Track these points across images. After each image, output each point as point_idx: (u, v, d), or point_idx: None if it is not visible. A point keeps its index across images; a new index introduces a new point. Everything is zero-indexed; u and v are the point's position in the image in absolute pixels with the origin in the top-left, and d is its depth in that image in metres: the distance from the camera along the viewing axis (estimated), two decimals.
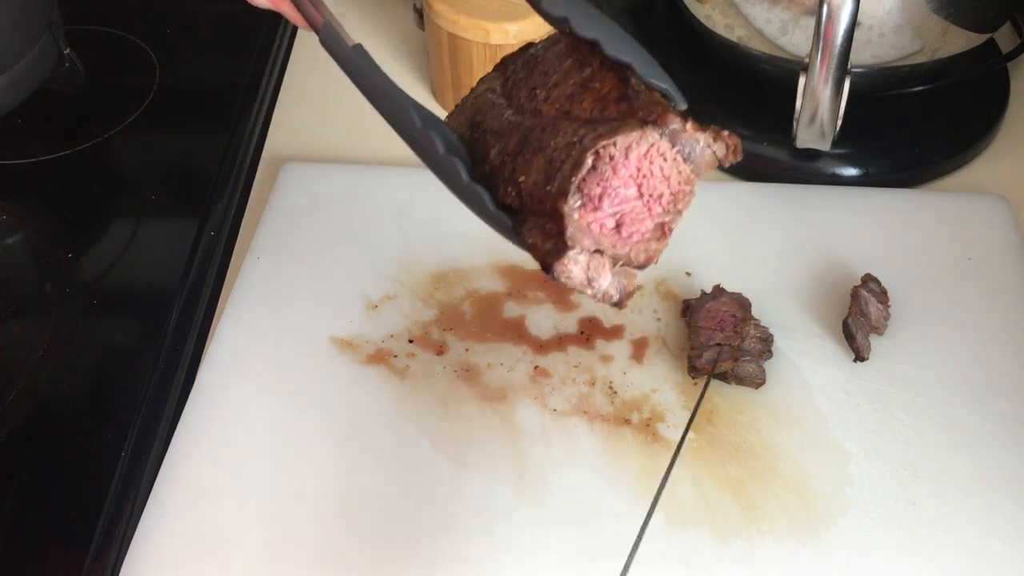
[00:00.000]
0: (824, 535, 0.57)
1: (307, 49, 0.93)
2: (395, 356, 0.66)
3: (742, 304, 0.65)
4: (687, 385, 0.64)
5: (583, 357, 0.66)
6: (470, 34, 0.77)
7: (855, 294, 0.66)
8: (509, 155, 0.42)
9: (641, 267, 0.40)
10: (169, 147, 0.85)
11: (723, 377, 0.63)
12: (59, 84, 0.84)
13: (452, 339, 0.67)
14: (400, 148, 0.80)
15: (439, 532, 0.57)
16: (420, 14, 0.87)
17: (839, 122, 0.69)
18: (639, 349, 0.66)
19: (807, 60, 0.65)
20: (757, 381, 0.63)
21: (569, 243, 0.38)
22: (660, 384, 0.64)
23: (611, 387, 0.64)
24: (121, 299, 0.73)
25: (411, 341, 0.67)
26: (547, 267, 0.39)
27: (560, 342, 0.66)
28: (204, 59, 0.93)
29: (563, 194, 0.38)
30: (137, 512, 0.59)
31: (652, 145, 0.38)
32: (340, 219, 0.74)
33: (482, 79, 0.51)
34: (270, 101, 0.89)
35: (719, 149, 0.39)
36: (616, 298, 0.39)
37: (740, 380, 0.63)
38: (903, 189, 0.77)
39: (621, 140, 0.38)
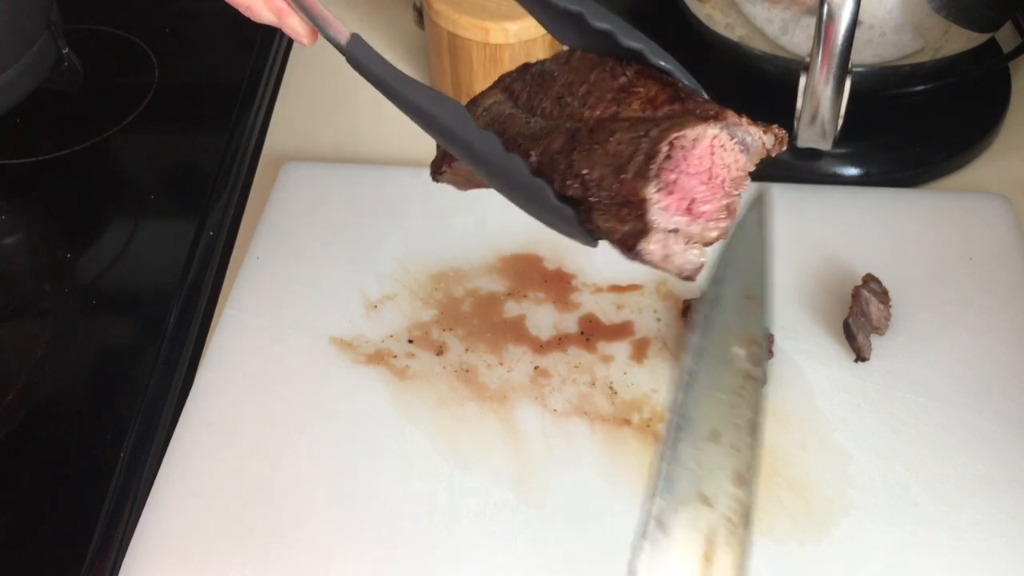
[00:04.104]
0: (825, 536, 0.57)
1: (306, 48, 0.93)
2: (395, 356, 0.66)
3: None
4: None
5: (583, 357, 0.65)
6: (470, 34, 0.77)
7: (856, 294, 0.66)
8: (559, 153, 0.45)
9: (710, 243, 0.44)
10: (168, 147, 0.85)
11: None
12: (58, 84, 0.84)
13: (452, 339, 0.67)
14: (400, 148, 0.80)
15: (439, 532, 0.57)
16: (420, 13, 0.87)
17: (840, 122, 0.69)
18: (639, 349, 0.66)
19: (808, 59, 0.65)
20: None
21: (651, 224, 0.42)
22: (660, 384, 0.64)
23: (611, 387, 0.64)
24: (120, 299, 0.73)
25: (411, 341, 0.66)
26: (629, 247, 0.43)
27: (560, 342, 0.66)
28: (203, 58, 0.93)
29: (644, 179, 0.42)
30: (137, 512, 0.59)
31: (715, 137, 0.43)
32: (340, 219, 0.74)
33: (481, 95, 0.54)
34: (269, 100, 0.88)
35: (768, 140, 0.44)
36: (688, 271, 0.43)
37: None
38: (904, 189, 0.77)
39: (690, 132, 0.42)
